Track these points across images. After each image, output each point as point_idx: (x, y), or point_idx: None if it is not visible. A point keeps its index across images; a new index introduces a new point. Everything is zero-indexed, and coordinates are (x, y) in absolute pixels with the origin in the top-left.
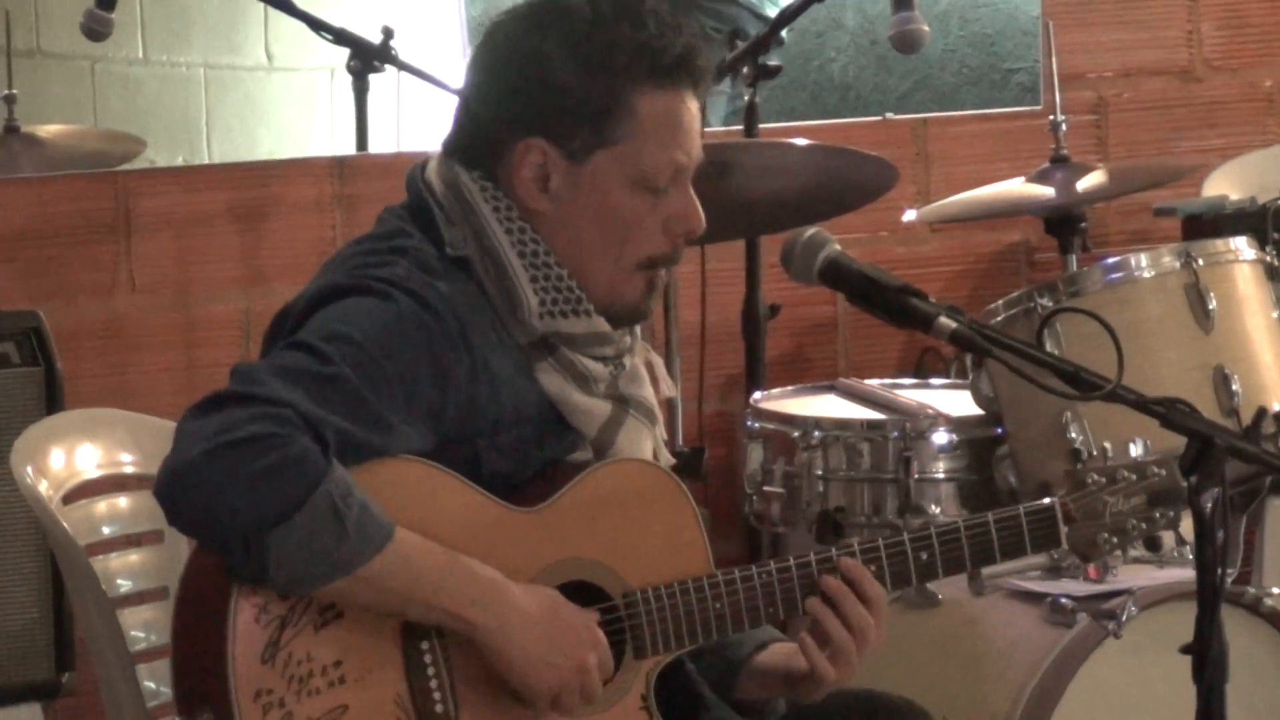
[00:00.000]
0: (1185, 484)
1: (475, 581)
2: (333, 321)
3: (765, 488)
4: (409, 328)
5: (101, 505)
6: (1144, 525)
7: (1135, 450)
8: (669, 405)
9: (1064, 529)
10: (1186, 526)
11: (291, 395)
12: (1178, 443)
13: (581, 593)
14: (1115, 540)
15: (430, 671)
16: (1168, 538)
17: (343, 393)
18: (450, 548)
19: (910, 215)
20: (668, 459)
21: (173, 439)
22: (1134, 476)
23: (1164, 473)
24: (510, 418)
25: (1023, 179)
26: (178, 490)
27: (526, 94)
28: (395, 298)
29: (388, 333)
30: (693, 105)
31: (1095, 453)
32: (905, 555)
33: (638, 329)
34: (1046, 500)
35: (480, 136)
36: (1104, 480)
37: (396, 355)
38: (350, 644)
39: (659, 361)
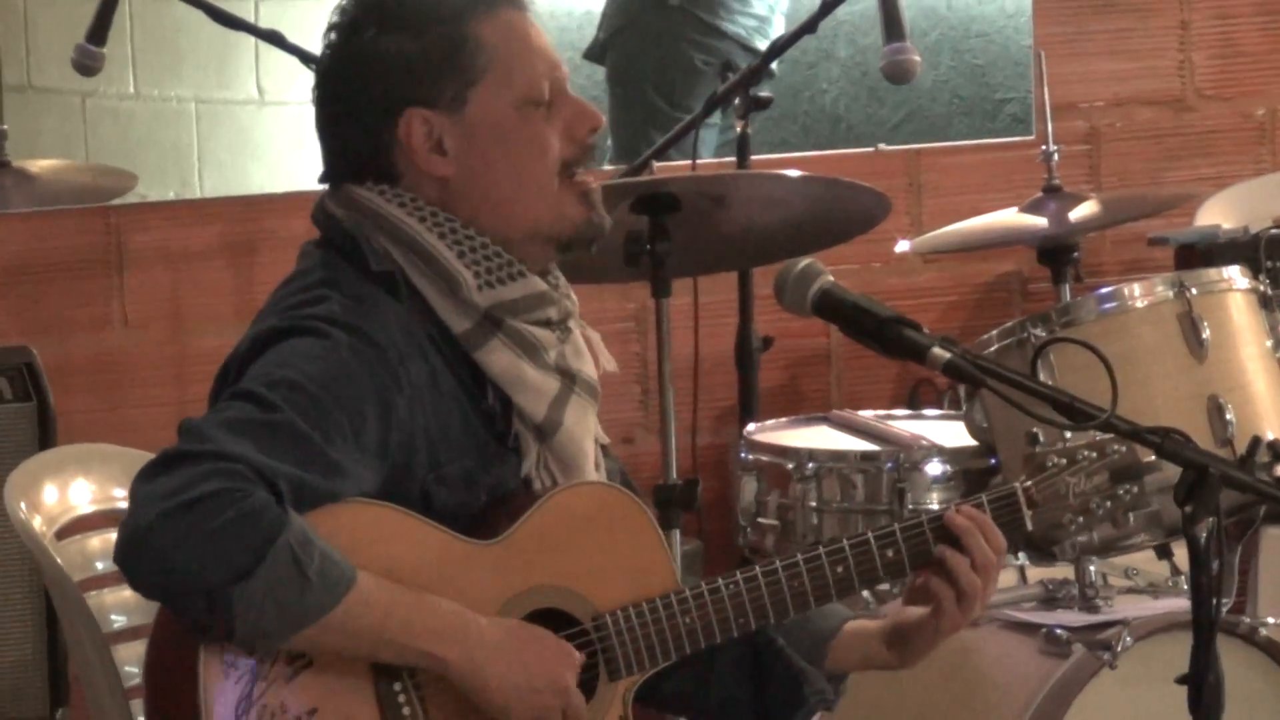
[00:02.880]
0: (1181, 513)
1: (441, 617)
2: (274, 366)
3: (759, 519)
4: (350, 364)
5: (95, 540)
6: (1108, 503)
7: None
8: (661, 438)
9: (1028, 513)
10: (1181, 557)
11: (241, 448)
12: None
13: (550, 620)
14: (1081, 520)
15: (406, 712)
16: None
17: (291, 439)
18: (413, 587)
19: (903, 246)
20: (603, 437)
21: (128, 504)
22: (1094, 455)
23: (1123, 449)
24: (450, 448)
25: (1015, 209)
26: (137, 556)
27: (379, 81)
28: (332, 335)
29: (329, 372)
30: (529, 19)
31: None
32: (871, 553)
33: (575, 298)
34: (1009, 485)
35: (357, 147)
36: (1064, 462)
37: (340, 394)
38: (323, 691)
39: (596, 337)
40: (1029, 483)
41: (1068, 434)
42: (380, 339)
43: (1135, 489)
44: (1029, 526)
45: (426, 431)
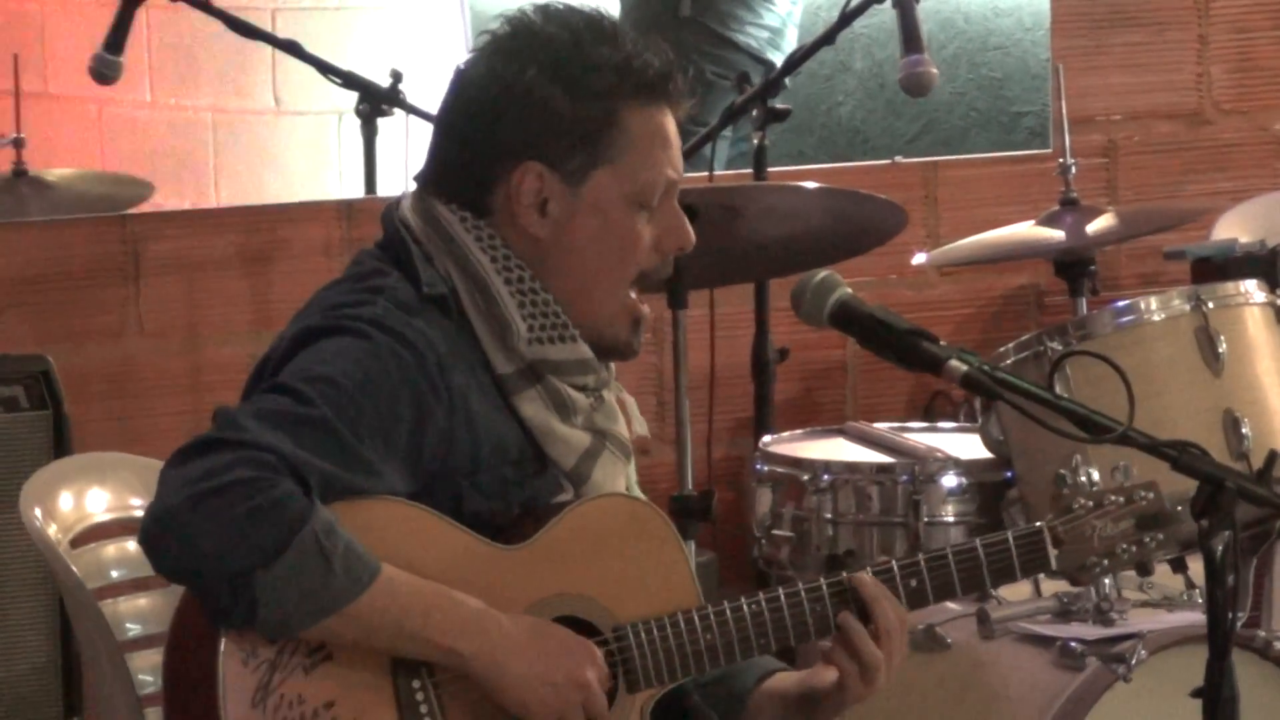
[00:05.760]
0: (1197, 527)
1: (463, 613)
2: (313, 363)
3: (774, 531)
4: (388, 366)
5: (110, 549)
6: (1133, 549)
7: (1120, 475)
8: (677, 449)
9: (1053, 553)
10: (1196, 570)
11: (274, 439)
12: (1158, 467)
13: (571, 628)
14: (1105, 564)
15: (424, 709)
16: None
17: (325, 435)
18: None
19: (920, 258)
20: (640, 496)
21: (156, 485)
22: (1121, 500)
23: (1151, 496)
24: (489, 457)
25: (1032, 222)
26: (162, 536)
27: (516, 121)
28: (374, 337)
29: (367, 373)
30: (673, 123)
31: (1084, 479)
32: (895, 582)
33: (613, 365)
34: (1035, 524)
35: (463, 170)
36: (1091, 504)
37: (376, 395)
38: (341, 684)
39: (631, 401)
40: (1055, 522)
41: (1095, 476)
42: (421, 345)
43: (1161, 536)
44: (1053, 566)
45: (469, 439)
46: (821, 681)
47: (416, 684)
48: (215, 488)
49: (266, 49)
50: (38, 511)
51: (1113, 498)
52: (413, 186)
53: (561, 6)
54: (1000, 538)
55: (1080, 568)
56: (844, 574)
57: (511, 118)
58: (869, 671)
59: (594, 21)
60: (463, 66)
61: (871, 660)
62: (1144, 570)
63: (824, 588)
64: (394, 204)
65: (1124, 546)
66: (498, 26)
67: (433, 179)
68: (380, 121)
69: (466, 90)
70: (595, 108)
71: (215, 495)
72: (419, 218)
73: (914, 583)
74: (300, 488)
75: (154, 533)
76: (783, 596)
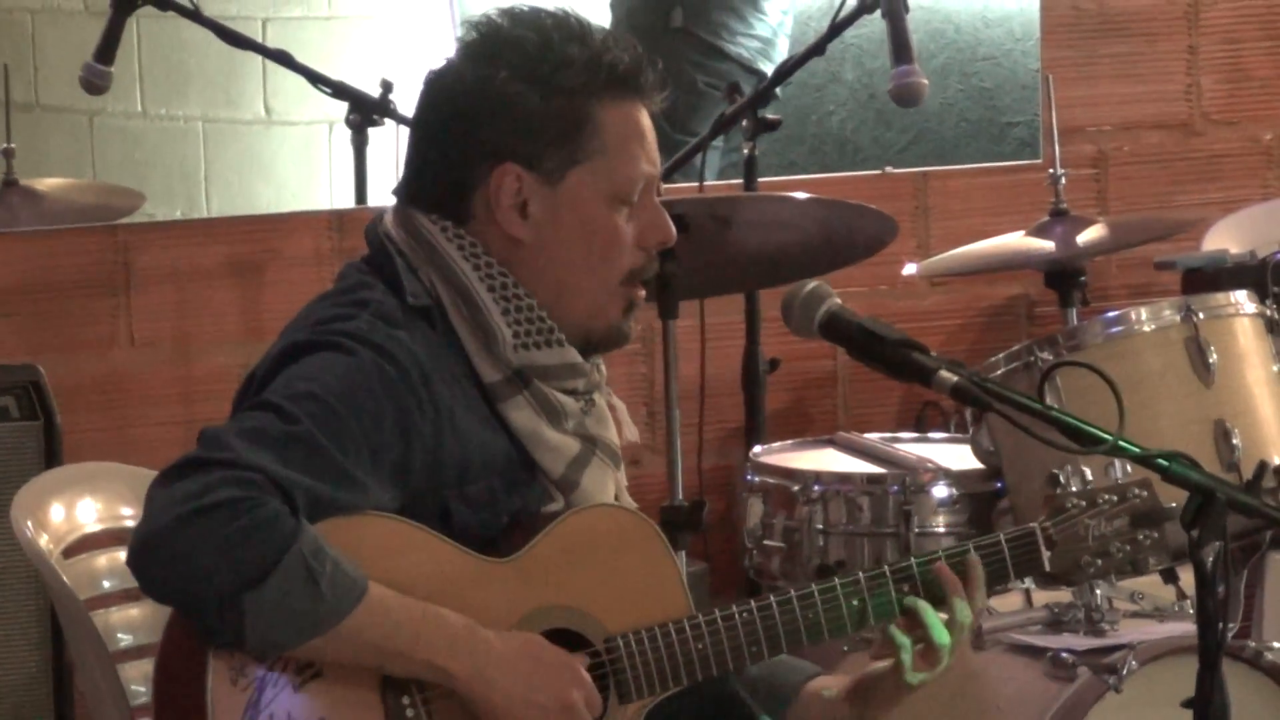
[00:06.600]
0: (1187, 537)
1: (450, 630)
2: (297, 380)
3: (765, 541)
4: (372, 381)
5: (102, 559)
6: (1128, 547)
7: (1115, 473)
8: (667, 459)
9: (1046, 554)
10: (1187, 581)
11: (259, 458)
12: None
13: (562, 640)
14: (1100, 563)
15: None
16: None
17: (310, 452)
18: (425, 600)
19: (910, 269)
20: (630, 502)
21: (142, 507)
22: (1114, 499)
23: (1145, 494)
24: (477, 469)
25: (1022, 232)
26: (149, 558)
27: (490, 124)
28: (358, 352)
29: (352, 388)
30: (647, 117)
31: (1077, 485)
32: (887, 587)
33: (604, 369)
34: (1028, 525)
35: (441, 178)
36: (1084, 504)
37: (361, 410)
38: (331, 701)
39: (622, 405)
40: (1048, 523)
41: (1089, 475)
42: (405, 359)
43: (1156, 534)
44: (1047, 567)
45: (456, 451)
46: (875, 673)
47: (406, 700)
48: (202, 508)
49: (257, 59)
50: (29, 522)
51: (1106, 496)
52: (393, 200)
53: (528, 8)
54: (993, 540)
55: (1075, 567)
56: (836, 579)
57: (485, 121)
58: (934, 652)
59: (561, 20)
60: (433, 75)
61: (939, 639)
62: (1139, 569)
63: (816, 594)
64: (377, 218)
65: (1118, 545)
66: (464, 32)
67: (411, 190)
68: (371, 131)
69: (438, 97)
70: (568, 105)
71: (202, 516)
72: (401, 229)
73: (907, 588)
74: (287, 507)
75: (141, 555)
76: (774, 603)
